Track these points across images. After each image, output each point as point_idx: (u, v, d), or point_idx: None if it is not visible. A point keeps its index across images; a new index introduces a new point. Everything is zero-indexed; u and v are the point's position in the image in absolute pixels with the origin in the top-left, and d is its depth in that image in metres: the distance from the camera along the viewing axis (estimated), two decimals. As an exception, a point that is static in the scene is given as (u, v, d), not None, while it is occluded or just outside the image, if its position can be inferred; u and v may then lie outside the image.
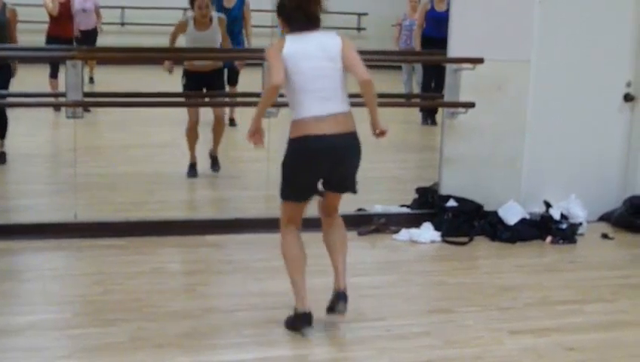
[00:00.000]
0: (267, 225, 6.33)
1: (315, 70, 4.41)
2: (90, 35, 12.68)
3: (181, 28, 8.03)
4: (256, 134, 4.56)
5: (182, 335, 4.41)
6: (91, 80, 13.48)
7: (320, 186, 4.63)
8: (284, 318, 4.58)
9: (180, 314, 4.71)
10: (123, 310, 4.74)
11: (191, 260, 5.79)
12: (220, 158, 8.35)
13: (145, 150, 9.43)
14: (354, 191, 4.73)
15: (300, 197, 4.57)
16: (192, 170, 8.12)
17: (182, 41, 8.17)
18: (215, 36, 8.04)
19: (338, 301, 4.53)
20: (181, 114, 9.69)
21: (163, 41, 12.05)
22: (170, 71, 8.14)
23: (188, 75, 8.05)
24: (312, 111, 4.40)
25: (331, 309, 4.54)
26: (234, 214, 6.71)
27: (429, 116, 10.98)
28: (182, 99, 8.22)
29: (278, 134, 8.10)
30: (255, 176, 8.07)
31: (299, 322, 4.50)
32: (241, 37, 10.24)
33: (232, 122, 10.43)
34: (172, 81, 8.19)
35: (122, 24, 16.19)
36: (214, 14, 8.11)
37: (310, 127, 4.39)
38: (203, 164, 8.22)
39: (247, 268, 5.61)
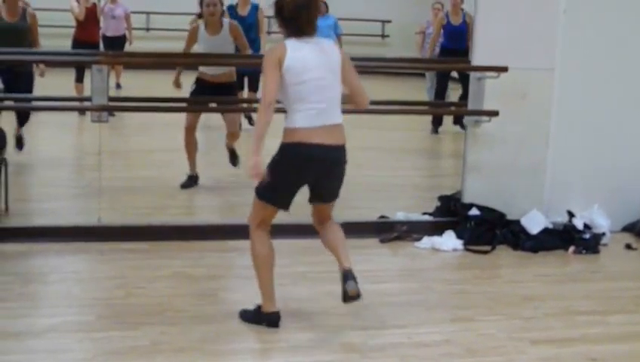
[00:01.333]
0: (290, 230, 6.35)
1: (315, 81, 4.41)
2: (118, 41, 12.83)
3: (193, 33, 7.93)
4: (256, 170, 4.38)
5: (203, 340, 4.43)
6: (118, 85, 13.63)
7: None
8: (240, 312, 4.72)
9: (201, 319, 4.73)
10: (145, 314, 4.76)
11: (213, 265, 5.80)
12: (244, 163, 8.34)
13: (168, 154, 9.46)
14: (334, 199, 4.76)
15: (279, 202, 4.60)
16: (189, 181, 7.91)
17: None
18: (227, 41, 7.92)
19: (346, 281, 4.45)
20: (204, 119, 9.73)
21: (179, 45, 12.07)
22: (178, 86, 8.06)
23: (199, 83, 7.92)
24: (307, 122, 4.41)
25: (344, 295, 4.45)
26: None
27: (436, 125, 11.12)
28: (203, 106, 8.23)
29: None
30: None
31: (266, 321, 4.59)
32: (257, 43, 10.30)
33: (251, 121, 10.40)
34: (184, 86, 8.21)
35: (147, 29, 16.32)
36: (225, 20, 8.01)
37: (304, 136, 4.41)
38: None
39: (269, 273, 5.61)
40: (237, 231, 6.28)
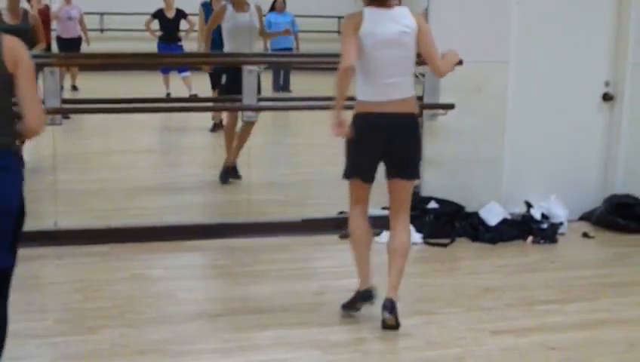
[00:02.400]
0: (248, 229, 6.36)
1: (387, 58, 4.47)
2: (74, 43, 12.74)
3: (221, 12, 8.06)
4: (339, 127, 4.50)
5: (163, 341, 4.40)
6: (74, 88, 13.52)
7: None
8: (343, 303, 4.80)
9: (161, 320, 4.70)
10: (104, 317, 4.72)
11: (172, 266, 5.76)
12: (202, 163, 8.32)
13: (125, 156, 9.41)
14: (417, 176, 4.81)
15: (361, 173, 4.67)
16: (226, 175, 8.07)
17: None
18: (253, 19, 8.04)
19: (383, 311, 4.57)
20: (161, 120, 9.66)
21: (142, 47, 12.11)
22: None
23: (227, 76, 7.96)
24: (376, 96, 4.50)
25: (383, 323, 4.58)
26: (216, 219, 6.70)
27: None
28: (161, 105, 8.19)
29: (258, 139, 8.16)
30: (235, 180, 8.08)
31: (359, 298, 4.70)
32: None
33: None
34: (151, 87, 8.17)
35: (102, 30, 16.16)
36: (251, 3, 8.10)
37: (372, 107, 4.51)
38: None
39: (230, 273, 5.61)
40: (195, 232, 6.28)
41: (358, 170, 4.67)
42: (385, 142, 4.54)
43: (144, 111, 7.89)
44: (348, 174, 4.71)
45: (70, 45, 12.56)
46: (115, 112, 7.93)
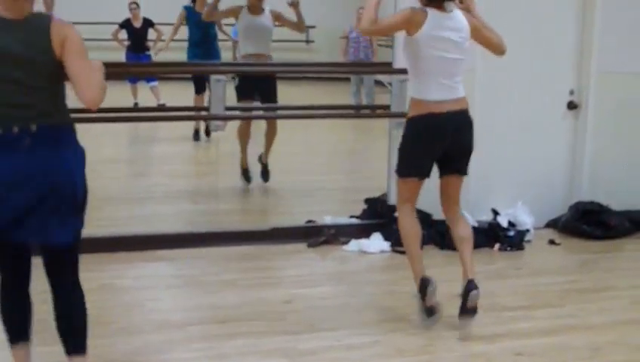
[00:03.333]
0: (217, 238, 6.35)
1: (444, 60, 4.58)
2: None
3: (233, 12, 8.14)
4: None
5: (132, 352, 4.39)
6: None
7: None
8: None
9: (130, 330, 4.69)
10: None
11: (141, 275, 5.74)
12: (171, 172, 8.30)
13: (91, 166, 9.31)
14: (465, 172, 4.89)
15: (419, 172, 4.75)
16: (246, 176, 8.25)
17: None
18: (267, 22, 8.09)
19: (468, 292, 4.65)
20: (129, 130, 9.61)
21: (109, 56, 12.01)
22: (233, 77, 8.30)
23: (242, 77, 8.07)
24: (434, 95, 4.59)
25: (463, 306, 4.67)
26: (184, 228, 6.69)
27: None
28: (131, 115, 8.17)
29: (228, 147, 8.16)
30: (203, 189, 8.08)
31: (420, 290, 4.73)
32: (216, 43, 10.35)
33: (206, 133, 10.43)
34: (118, 97, 8.13)
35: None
36: (267, 7, 8.14)
37: (431, 107, 4.58)
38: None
39: (198, 281, 5.59)
40: (164, 241, 6.27)
41: (419, 169, 4.76)
42: (448, 141, 4.66)
43: (113, 120, 7.87)
44: (405, 173, 4.79)
45: None
46: (83, 122, 7.87)
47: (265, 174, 8.33)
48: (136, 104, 12.02)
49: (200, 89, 10.44)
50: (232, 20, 9.99)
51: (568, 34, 6.97)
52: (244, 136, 8.20)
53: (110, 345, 4.44)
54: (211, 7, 8.13)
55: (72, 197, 3.52)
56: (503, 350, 4.55)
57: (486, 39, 4.82)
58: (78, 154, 3.59)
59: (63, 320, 3.74)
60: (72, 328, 3.76)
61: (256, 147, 8.33)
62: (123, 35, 13.20)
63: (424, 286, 4.72)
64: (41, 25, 3.37)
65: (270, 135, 8.27)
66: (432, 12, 4.54)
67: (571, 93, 7.04)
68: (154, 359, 4.35)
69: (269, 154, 8.33)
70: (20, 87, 3.36)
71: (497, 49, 4.87)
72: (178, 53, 11.38)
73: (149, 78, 12.36)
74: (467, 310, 4.64)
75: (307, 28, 17.22)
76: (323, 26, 16.90)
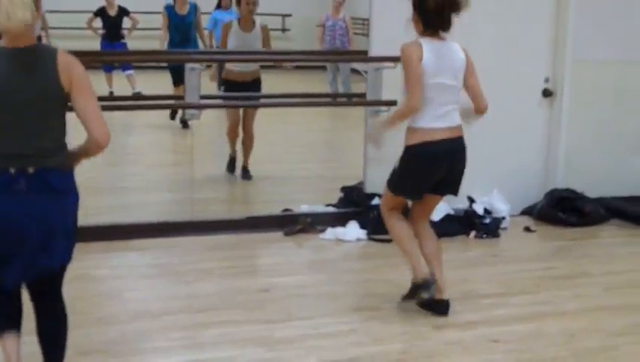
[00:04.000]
0: (193, 228, 6.34)
1: (442, 87, 4.59)
2: None
3: (227, 28, 8.06)
4: (378, 142, 4.92)
5: (108, 342, 4.38)
6: None
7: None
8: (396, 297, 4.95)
9: (106, 320, 4.68)
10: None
11: (117, 265, 5.73)
12: (146, 162, 8.26)
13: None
14: (457, 193, 4.93)
15: (414, 196, 4.84)
16: (231, 165, 8.33)
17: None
18: (257, 38, 8.04)
19: (440, 314, 4.81)
20: (107, 118, 9.51)
21: (83, 45, 11.93)
22: (212, 80, 8.47)
23: (227, 83, 8.10)
24: (432, 123, 4.60)
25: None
26: (160, 218, 6.66)
27: None
28: (106, 103, 8.10)
29: (202, 138, 8.14)
30: (179, 179, 8.05)
31: (420, 288, 4.75)
32: (197, 46, 10.36)
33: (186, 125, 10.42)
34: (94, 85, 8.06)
35: (42, 28, 15.95)
36: (257, 19, 8.08)
37: (429, 135, 4.60)
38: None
39: (175, 271, 5.58)
40: (140, 231, 6.24)
41: (414, 193, 4.84)
42: (446, 168, 4.70)
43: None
44: (398, 192, 4.81)
45: None
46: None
47: (245, 175, 8.30)
48: (111, 93, 11.94)
49: (178, 80, 10.41)
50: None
51: (543, 22, 7.00)
52: (233, 138, 8.29)
53: (87, 335, 4.43)
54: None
55: (64, 235, 3.47)
56: (478, 337, 4.58)
57: (473, 86, 4.77)
58: (75, 200, 3.51)
59: (48, 335, 3.70)
60: (57, 344, 3.73)
61: (190, 146, 8.27)
62: (98, 23, 13.10)
63: (422, 287, 4.78)
64: (48, 58, 3.27)
65: (247, 142, 8.27)
66: (426, 42, 4.56)
67: (546, 80, 7.08)
68: (131, 348, 4.34)
69: (248, 160, 8.31)
70: (24, 125, 3.26)
71: (481, 101, 4.80)
72: (154, 42, 11.32)
73: (125, 67, 12.29)
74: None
75: (283, 16, 17.31)
76: (299, 14, 16.87)
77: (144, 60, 10.35)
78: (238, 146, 8.32)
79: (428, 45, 4.55)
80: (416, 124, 4.62)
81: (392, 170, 4.81)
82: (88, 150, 3.49)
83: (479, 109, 4.83)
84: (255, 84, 8.14)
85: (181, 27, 10.26)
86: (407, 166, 4.69)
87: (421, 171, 4.69)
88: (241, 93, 7.98)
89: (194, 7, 10.45)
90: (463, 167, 4.82)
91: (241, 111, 8.19)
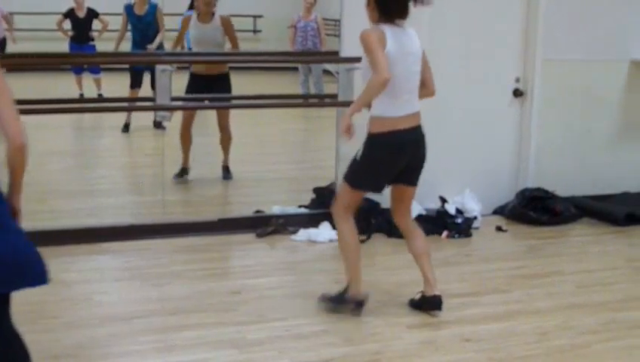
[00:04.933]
0: (164, 230, 6.30)
1: (407, 73, 4.54)
2: None
3: (186, 22, 8.04)
4: (349, 129, 4.57)
5: (78, 346, 4.33)
6: None
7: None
8: (325, 296, 4.91)
9: (75, 324, 4.62)
10: (16, 322, 4.59)
11: (86, 269, 5.67)
12: (116, 164, 8.20)
13: (35, 158, 9.15)
14: (416, 183, 4.85)
15: (377, 188, 4.79)
16: (182, 173, 8.12)
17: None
18: (217, 31, 7.96)
19: (433, 309, 4.85)
20: (74, 121, 9.49)
21: (52, 46, 11.89)
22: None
23: (193, 77, 8.01)
24: (400, 111, 4.54)
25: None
26: (130, 221, 6.61)
27: None
28: (77, 105, 8.04)
29: (175, 139, 8.09)
30: (150, 181, 8.00)
31: (354, 305, 4.75)
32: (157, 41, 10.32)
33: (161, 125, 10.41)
34: (62, 87, 8.03)
35: (7, 30, 15.80)
36: (216, 13, 8.02)
37: (396, 124, 4.54)
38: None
39: (145, 274, 5.54)
40: (110, 234, 6.19)
41: (377, 185, 4.77)
42: (410, 156, 4.64)
43: (58, 112, 7.75)
44: (359, 186, 4.73)
45: None
46: (27, 114, 7.74)
47: (226, 174, 8.24)
48: (81, 95, 11.84)
49: (135, 83, 10.44)
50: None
51: (514, 21, 7.02)
52: (186, 141, 8.09)
53: (56, 340, 4.38)
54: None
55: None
56: (451, 336, 4.58)
57: (427, 69, 4.76)
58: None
59: None
60: None
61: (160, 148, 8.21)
62: (67, 25, 13.00)
63: (361, 304, 4.78)
64: None
65: (224, 141, 8.21)
66: (387, 29, 4.50)
67: (517, 80, 7.10)
68: (100, 352, 4.29)
69: (228, 157, 8.25)
70: None
71: (430, 86, 4.78)
72: (126, 44, 11.26)
73: (94, 69, 12.21)
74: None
75: (254, 17, 17.26)
76: (270, 15, 16.80)
77: (112, 63, 10.27)
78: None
79: (389, 32, 4.49)
80: (381, 112, 4.56)
81: (352, 161, 4.71)
82: (11, 159, 3.10)
83: (429, 93, 4.81)
84: (221, 78, 8.02)
85: (139, 26, 10.32)
86: (370, 155, 4.59)
87: (385, 161, 4.62)
88: (208, 90, 7.89)
89: (154, 8, 10.44)
90: (424, 155, 4.76)
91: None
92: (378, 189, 4.82)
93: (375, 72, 4.38)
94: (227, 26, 8.04)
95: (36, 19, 15.16)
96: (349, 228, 4.79)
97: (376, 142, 4.58)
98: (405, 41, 4.55)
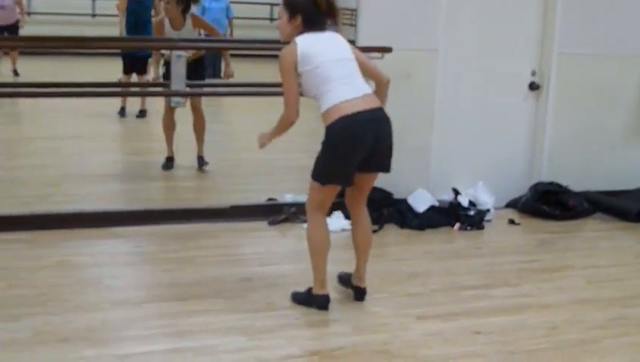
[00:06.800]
0: (176, 216, 6.31)
1: (332, 62, 4.47)
2: (10, 29, 12.81)
3: (158, 27, 7.89)
4: (264, 145, 4.94)
5: (88, 329, 4.34)
6: (15, 72, 13.54)
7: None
8: (292, 293, 4.89)
9: (86, 307, 4.63)
10: (27, 305, 4.63)
11: (98, 252, 5.68)
12: (130, 149, 8.21)
13: (50, 142, 9.26)
14: (389, 169, 4.74)
15: (344, 180, 4.63)
16: (168, 163, 8.06)
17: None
18: (191, 35, 7.85)
19: (357, 300, 4.89)
20: (88, 105, 9.52)
21: (69, 30, 11.93)
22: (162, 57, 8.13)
23: (168, 65, 7.85)
24: (341, 96, 4.44)
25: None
26: (143, 206, 6.62)
27: None
28: (92, 90, 8.04)
29: (188, 126, 8.09)
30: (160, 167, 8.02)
31: (316, 304, 4.72)
32: (150, 27, 10.31)
33: (143, 113, 10.50)
34: (88, 71, 8.04)
35: (29, 14, 15.87)
36: (188, 16, 7.84)
37: (344, 109, 4.42)
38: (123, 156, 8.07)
39: (156, 259, 5.55)
40: (122, 218, 6.21)
41: (343, 177, 4.61)
42: (369, 142, 4.49)
43: (72, 95, 7.79)
44: (326, 181, 4.60)
45: (6, 32, 12.63)
46: (39, 97, 7.79)
47: (201, 164, 8.14)
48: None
49: (128, 69, 10.49)
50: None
51: (530, 14, 6.98)
52: (168, 128, 8.03)
53: (65, 323, 4.39)
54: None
55: None
56: (460, 328, 4.57)
57: (370, 69, 4.73)
58: None
59: None
60: None
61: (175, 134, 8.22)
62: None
63: (320, 304, 4.74)
64: None
65: (197, 125, 8.07)
66: (302, 38, 4.48)
67: (533, 74, 7.07)
68: (111, 336, 4.30)
69: (202, 146, 8.14)
70: None
71: (379, 76, 4.75)
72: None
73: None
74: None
75: (271, 5, 17.26)
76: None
77: (129, 48, 10.29)
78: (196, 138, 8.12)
79: (301, 38, 4.48)
80: (326, 107, 4.49)
81: (316, 160, 4.62)
82: None
83: (385, 83, 4.75)
84: (195, 64, 7.77)
85: (138, 11, 10.43)
86: (330, 148, 4.50)
87: (346, 149, 4.48)
88: (188, 75, 7.74)
89: None
90: (390, 138, 4.61)
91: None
92: (347, 180, 4.64)
93: (285, 108, 4.52)
94: (197, 23, 7.97)
95: (51, 3, 15.23)
96: (318, 228, 4.73)
97: (330, 134, 4.49)
98: (322, 37, 4.53)
